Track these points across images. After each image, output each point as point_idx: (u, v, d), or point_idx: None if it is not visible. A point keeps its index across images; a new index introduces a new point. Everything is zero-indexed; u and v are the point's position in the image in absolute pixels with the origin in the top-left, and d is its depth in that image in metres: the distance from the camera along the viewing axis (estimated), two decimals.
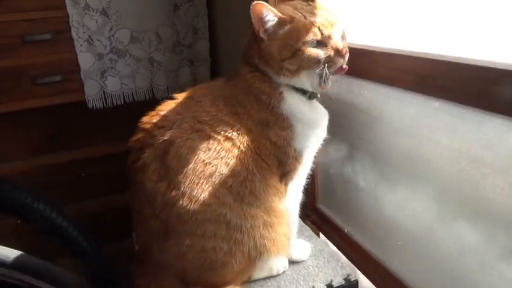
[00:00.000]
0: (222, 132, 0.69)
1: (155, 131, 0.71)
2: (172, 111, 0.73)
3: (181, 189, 0.66)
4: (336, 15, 0.71)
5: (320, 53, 0.68)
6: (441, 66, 0.59)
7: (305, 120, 0.73)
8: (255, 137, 0.71)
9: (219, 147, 0.68)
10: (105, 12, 1.43)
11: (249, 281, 0.78)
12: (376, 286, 0.86)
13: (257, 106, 0.72)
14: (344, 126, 0.85)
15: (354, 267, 0.89)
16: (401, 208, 0.77)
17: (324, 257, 0.85)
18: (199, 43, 1.59)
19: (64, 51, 1.43)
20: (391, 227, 0.81)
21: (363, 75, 0.76)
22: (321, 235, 1.03)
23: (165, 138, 0.69)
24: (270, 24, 0.69)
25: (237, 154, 0.69)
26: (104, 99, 1.52)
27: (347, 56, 0.70)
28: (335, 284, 0.77)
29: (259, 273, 0.78)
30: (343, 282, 0.77)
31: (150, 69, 1.55)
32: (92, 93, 1.50)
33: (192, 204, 0.66)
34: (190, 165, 0.67)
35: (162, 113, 0.73)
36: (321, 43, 0.68)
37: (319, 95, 0.76)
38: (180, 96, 0.77)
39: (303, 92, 0.74)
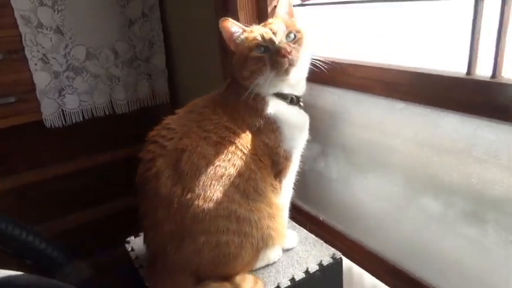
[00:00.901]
0: (226, 138, 0.78)
1: (165, 142, 0.78)
2: (178, 124, 0.81)
3: (196, 191, 0.74)
4: (289, 26, 0.81)
5: (264, 57, 0.78)
6: (403, 75, 0.75)
7: (289, 122, 0.84)
8: (251, 139, 0.81)
9: (225, 151, 0.77)
10: (59, 30, 1.43)
11: (252, 270, 0.88)
12: (355, 263, 1.01)
13: (248, 111, 0.82)
14: (318, 128, 0.98)
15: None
16: (372, 192, 0.93)
17: (309, 243, 0.97)
18: (156, 56, 1.64)
19: (18, 71, 1.40)
20: (363, 209, 0.96)
21: (336, 84, 0.90)
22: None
23: (177, 147, 0.77)
24: (236, 35, 0.81)
25: (240, 156, 0.78)
26: (62, 118, 1.50)
27: (291, 56, 0.77)
28: (324, 262, 0.89)
29: (259, 262, 0.88)
30: (331, 260, 0.90)
31: (109, 85, 1.57)
32: (49, 113, 1.48)
33: (206, 204, 0.74)
34: (203, 169, 0.75)
35: (168, 126, 0.80)
36: (266, 48, 0.79)
37: (301, 102, 0.88)
38: (181, 111, 0.84)
39: (283, 97, 0.85)
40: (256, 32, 0.80)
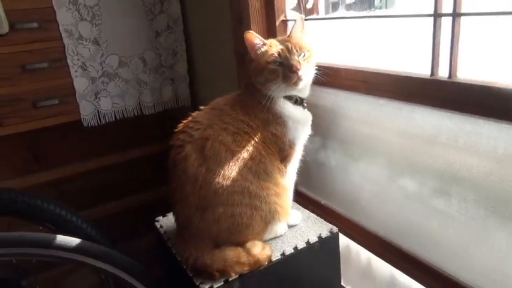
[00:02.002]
0: (242, 129, 0.97)
1: (193, 132, 0.97)
2: (203, 117, 1.00)
3: (217, 171, 0.92)
4: (302, 45, 0.97)
5: (278, 70, 0.95)
6: (382, 77, 0.92)
7: (294, 118, 1.01)
8: (262, 130, 0.98)
9: (241, 139, 0.95)
10: (96, 41, 1.64)
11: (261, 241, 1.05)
12: (352, 240, 1.17)
13: (259, 107, 0.99)
14: (319, 124, 1.15)
15: None
16: (363, 176, 1.09)
17: (311, 221, 1.14)
18: (179, 64, 1.84)
19: (60, 77, 1.61)
20: (357, 192, 1.13)
21: (331, 85, 1.07)
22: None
23: (202, 136, 0.95)
24: (257, 46, 0.97)
25: (253, 143, 0.96)
26: (98, 118, 1.71)
27: (300, 72, 0.94)
28: (323, 235, 1.06)
29: (268, 235, 1.05)
30: (329, 233, 1.07)
31: (138, 89, 1.77)
32: (86, 113, 1.69)
33: (225, 181, 0.92)
34: (223, 154, 0.93)
35: (195, 119, 1.00)
36: (281, 63, 0.96)
37: (305, 103, 1.05)
38: (205, 108, 1.03)
39: (289, 98, 1.03)
40: (274, 48, 0.96)
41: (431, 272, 0.93)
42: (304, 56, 0.97)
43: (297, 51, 0.96)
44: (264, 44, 0.98)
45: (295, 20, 1.01)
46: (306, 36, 1.02)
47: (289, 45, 0.96)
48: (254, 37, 0.97)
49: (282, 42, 0.99)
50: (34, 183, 1.77)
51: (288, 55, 0.95)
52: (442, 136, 0.84)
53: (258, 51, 0.98)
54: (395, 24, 0.93)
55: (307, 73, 0.97)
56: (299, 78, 0.95)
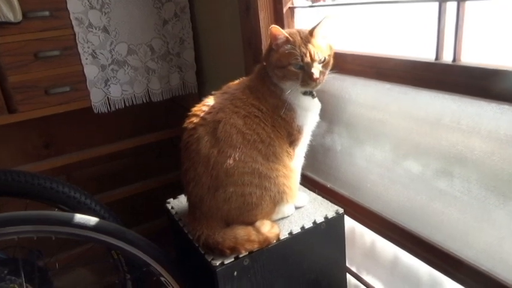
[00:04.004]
0: (252, 112, 1.00)
1: (205, 115, 1.00)
2: (215, 101, 1.03)
3: (228, 153, 0.96)
4: (323, 51, 0.99)
5: (298, 73, 0.98)
6: (389, 62, 0.95)
7: (302, 106, 1.05)
8: (271, 114, 1.02)
9: (251, 123, 0.99)
10: (106, 29, 1.67)
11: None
12: (357, 221, 1.21)
13: (270, 94, 1.03)
14: (326, 109, 1.18)
15: None
16: (368, 160, 1.13)
17: (317, 202, 1.18)
18: (186, 52, 1.87)
19: (72, 64, 1.65)
20: (362, 174, 1.16)
21: (339, 71, 1.09)
22: None
23: (214, 119, 0.99)
24: (280, 41, 0.99)
25: (262, 127, 1.00)
26: (108, 105, 1.74)
27: (319, 81, 0.98)
28: (329, 216, 1.10)
29: (276, 215, 1.09)
30: (335, 214, 1.11)
31: (146, 76, 1.81)
32: (97, 100, 1.72)
33: (236, 162, 0.96)
34: (234, 136, 0.97)
35: (207, 103, 1.03)
36: (302, 67, 0.98)
37: (315, 93, 1.08)
38: (217, 92, 1.07)
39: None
40: (298, 50, 0.96)
41: (434, 250, 0.97)
42: (324, 60, 1.00)
43: (318, 57, 0.98)
44: (288, 42, 0.98)
45: (320, 21, 1.00)
46: (327, 39, 1.03)
47: (312, 51, 0.97)
48: (279, 32, 0.98)
49: (304, 42, 0.98)
50: (45, 169, 1.82)
51: (310, 62, 0.97)
52: (446, 118, 0.87)
53: (281, 48, 0.99)
54: (403, 9, 0.95)
55: (324, 78, 1.01)
56: (316, 85, 1.00)
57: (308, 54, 0.97)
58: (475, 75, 0.78)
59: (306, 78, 0.98)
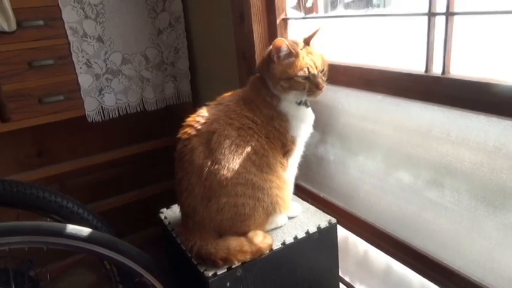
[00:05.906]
0: (246, 124, 1.01)
1: (199, 126, 1.01)
2: (209, 112, 1.04)
3: (222, 164, 0.96)
4: (323, 60, 1.03)
5: (305, 84, 1.00)
6: (381, 73, 0.97)
7: (296, 116, 1.06)
8: (265, 125, 1.03)
9: (245, 134, 0.99)
10: (100, 38, 1.67)
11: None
12: (350, 231, 1.22)
13: (264, 104, 1.04)
14: (319, 119, 1.19)
15: None
16: (361, 170, 1.14)
17: (310, 212, 1.18)
18: (180, 61, 1.88)
19: (66, 73, 1.65)
20: (355, 184, 1.17)
21: (330, 82, 1.10)
22: None
23: (208, 130, 0.99)
24: (283, 53, 1.00)
25: (256, 138, 1.00)
26: (102, 114, 1.74)
27: (324, 89, 1.01)
28: (322, 226, 1.10)
29: (269, 225, 1.09)
30: (327, 224, 1.11)
31: (140, 86, 1.81)
32: (91, 109, 1.72)
33: (229, 173, 0.96)
34: (227, 147, 0.97)
35: (202, 114, 1.04)
36: (307, 78, 1.01)
37: (308, 103, 1.09)
38: (212, 103, 1.08)
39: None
40: (303, 61, 0.99)
41: (425, 260, 0.98)
42: (323, 70, 1.03)
43: (321, 67, 1.02)
44: (293, 55, 1.00)
45: (314, 31, 1.04)
46: (322, 50, 1.06)
47: (316, 62, 1.01)
48: (283, 45, 0.99)
49: (306, 53, 1.02)
50: (37, 178, 1.81)
51: (315, 73, 1.01)
52: (436, 130, 0.88)
53: (285, 60, 1.01)
54: (393, 22, 0.97)
55: (325, 86, 1.03)
56: (320, 93, 1.02)
57: (313, 65, 1.00)
58: (464, 87, 0.79)
59: (312, 88, 1.01)
